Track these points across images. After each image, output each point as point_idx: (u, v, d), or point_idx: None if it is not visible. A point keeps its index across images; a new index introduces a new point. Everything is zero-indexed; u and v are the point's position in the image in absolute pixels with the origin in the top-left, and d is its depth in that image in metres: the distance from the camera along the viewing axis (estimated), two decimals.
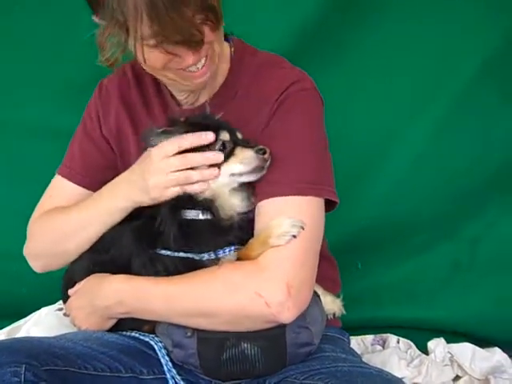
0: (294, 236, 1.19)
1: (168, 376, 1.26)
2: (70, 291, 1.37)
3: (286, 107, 1.30)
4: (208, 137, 1.21)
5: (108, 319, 1.33)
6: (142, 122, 1.42)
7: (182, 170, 1.20)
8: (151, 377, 1.28)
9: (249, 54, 1.36)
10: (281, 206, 1.23)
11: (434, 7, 1.81)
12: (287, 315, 1.17)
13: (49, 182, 1.51)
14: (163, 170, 1.21)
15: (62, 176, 1.48)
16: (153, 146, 1.23)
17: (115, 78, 1.47)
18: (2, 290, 1.87)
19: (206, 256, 1.23)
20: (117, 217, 1.31)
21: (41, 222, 1.46)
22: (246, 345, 1.22)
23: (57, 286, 1.47)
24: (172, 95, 1.40)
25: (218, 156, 1.22)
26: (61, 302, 1.58)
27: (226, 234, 1.25)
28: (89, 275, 1.35)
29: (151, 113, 1.42)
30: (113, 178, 1.36)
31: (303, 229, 1.20)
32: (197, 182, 1.21)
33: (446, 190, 1.90)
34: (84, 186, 1.46)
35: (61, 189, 1.48)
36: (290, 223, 1.19)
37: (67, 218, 1.39)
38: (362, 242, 1.89)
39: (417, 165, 1.89)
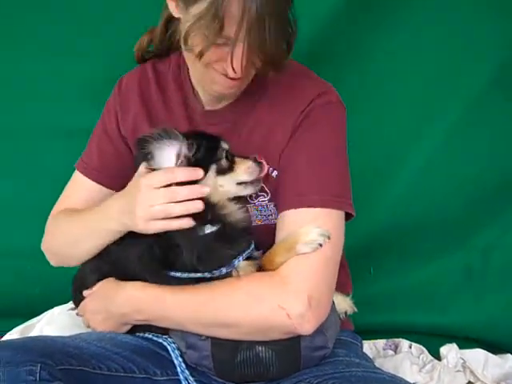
0: (321, 245, 1.20)
1: (181, 377, 1.25)
2: (85, 293, 1.36)
3: (312, 120, 1.30)
4: (199, 173, 1.20)
5: (123, 325, 1.32)
6: (160, 120, 1.42)
7: (166, 202, 1.18)
8: (165, 378, 1.27)
9: None
10: (304, 217, 1.24)
11: (448, 14, 1.80)
12: (307, 327, 1.18)
13: (63, 180, 1.53)
14: (149, 202, 1.19)
15: (79, 171, 1.49)
16: (144, 159, 1.22)
17: (135, 75, 1.47)
18: (16, 288, 1.87)
19: (217, 273, 1.22)
20: (111, 237, 1.30)
21: (55, 221, 1.48)
22: (260, 348, 1.22)
23: (69, 286, 1.46)
24: (195, 95, 1.40)
25: (204, 189, 1.20)
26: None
27: (237, 241, 1.24)
28: (100, 280, 1.35)
29: (170, 111, 1.42)
30: (130, 176, 1.36)
31: (329, 238, 1.21)
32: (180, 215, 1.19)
33: (458, 197, 1.89)
34: (100, 183, 1.47)
35: (78, 185, 1.49)
36: (318, 232, 1.20)
37: (72, 226, 1.41)
38: (375, 248, 1.88)
39: (429, 171, 1.88)
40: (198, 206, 1.18)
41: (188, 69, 1.38)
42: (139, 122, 1.43)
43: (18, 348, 1.09)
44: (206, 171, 1.23)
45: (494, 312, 1.87)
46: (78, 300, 1.40)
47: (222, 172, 1.25)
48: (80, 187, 1.49)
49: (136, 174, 1.28)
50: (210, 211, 1.21)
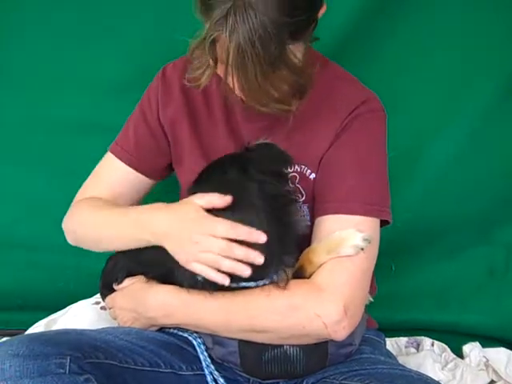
0: (363, 249, 1.21)
1: (206, 372, 1.26)
2: (116, 287, 1.36)
3: (356, 126, 1.30)
4: (261, 237, 1.14)
5: (151, 326, 1.33)
6: (200, 113, 1.41)
7: (220, 255, 1.14)
8: (190, 373, 1.28)
9: (319, 63, 1.28)
10: (344, 224, 1.24)
11: (467, 14, 1.78)
12: (342, 333, 1.19)
13: (88, 176, 1.51)
14: (202, 247, 1.15)
15: (112, 153, 1.47)
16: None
17: (180, 65, 1.44)
18: (40, 282, 1.88)
19: (261, 283, 1.20)
20: (137, 245, 1.28)
21: (78, 208, 1.45)
22: (288, 345, 1.22)
23: (94, 280, 1.48)
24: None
25: (259, 257, 1.14)
26: (97, 295, 1.59)
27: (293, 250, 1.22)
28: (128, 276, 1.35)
29: (210, 105, 1.41)
30: (164, 164, 1.41)
31: (369, 243, 1.21)
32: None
33: (480, 193, 1.88)
34: (131, 166, 1.45)
35: (108, 166, 1.47)
36: (363, 237, 1.21)
37: (98, 223, 1.38)
38: (396, 245, 1.87)
39: (451, 167, 1.86)
40: (246, 273, 1.14)
41: None
42: (179, 112, 1.42)
43: (47, 341, 1.09)
44: None
45: None
46: (105, 294, 1.41)
47: None
48: (109, 168, 1.47)
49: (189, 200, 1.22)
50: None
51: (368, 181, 1.29)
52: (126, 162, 1.45)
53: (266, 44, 1.08)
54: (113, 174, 1.47)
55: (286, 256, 1.20)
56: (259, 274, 1.18)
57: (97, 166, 1.51)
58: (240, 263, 1.14)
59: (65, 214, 1.49)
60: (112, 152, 1.48)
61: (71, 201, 1.50)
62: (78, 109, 1.83)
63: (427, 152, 1.86)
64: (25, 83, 1.83)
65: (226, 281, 1.14)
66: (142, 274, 1.32)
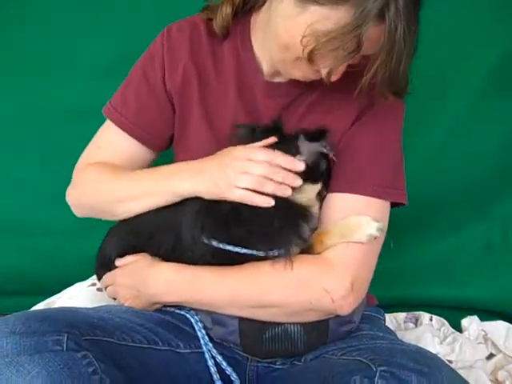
0: (375, 238, 1.21)
1: (204, 349, 1.25)
2: (118, 262, 1.33)
3: (376, 110, 1.28)
4: (298, 166, 1.16)
5: (153, 304, 1.31)
6: (209, 79, 1.34)
7: (262, 176, 1.15)
8: (188, 351, 1.27)
9: None
10: (354, 204, 1.24)
11: None
12: (347, 309, 1.20)
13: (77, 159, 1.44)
14: (243, 169, 1.15)
15: (113, 122, 1.37)
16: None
17: (186, 28, 1.36)
18: (35, 265, 1.87)
19: (270, 253, 1.18)
20: (169, 200, 1.24)
21: (89, 174, 1.36)
22: (288, 323, 1.21)
23: (89, 262, 1.46)
24: (256, 63, 1.32)
25: (297, 181, 1.16)
26: (93, 277, 1.58)
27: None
28: (127, 253, 1.32)
29: (221, 73, 1.34)
30: (167, 135, 1.37)
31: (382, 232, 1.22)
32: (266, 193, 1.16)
33: (478, 169, 1.88)
34: (136, 138, 1.36)
35: (110, 139, 1.38)
36: (377, 227, 1.21)
37: (117, 185, 1.30)
38: (395, 221, 1.85)
39: (448, 143, 1.87)
40: (287, 193, 1.16)
41: (250, 34, 1.33)
42: (189, 75, 1.33)
43: (44, 318, 1.08)
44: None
45: None
46: (101, 275, 1.39)
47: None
48: (115, 142, 1.38)
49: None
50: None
51: (383, 162, 1.27)
52: (126, 131, 1.37)
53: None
54: (117, 146, 1.38)
55: (300, 228, 1.20)
56: (275, 244, 1.17)
57: (97, 134, 1.42)
58: (282, 185, 1.16)
59: (60, 197, 1.46)
60: (112, 120, 1.38)
61: (66, 185, 1.45)
62: (69, 95, 1.82)
63: (424, 129, 1.86)
64: (16, 70, 1.82)
65: (271, 202, 1.15)
66: (141, 248, 1.30)
